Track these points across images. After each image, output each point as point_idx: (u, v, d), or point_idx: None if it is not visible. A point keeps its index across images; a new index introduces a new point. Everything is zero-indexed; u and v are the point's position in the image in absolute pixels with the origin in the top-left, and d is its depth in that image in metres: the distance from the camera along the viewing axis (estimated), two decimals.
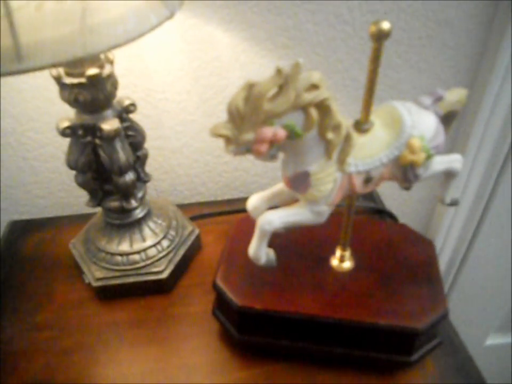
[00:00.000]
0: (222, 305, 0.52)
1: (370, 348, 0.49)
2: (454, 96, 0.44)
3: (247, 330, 0.51)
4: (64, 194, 0.77)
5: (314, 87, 0.35)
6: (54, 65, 0.36)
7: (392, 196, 0.87)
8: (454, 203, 0.51)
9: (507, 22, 0.66)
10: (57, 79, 0.47)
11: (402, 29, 0.68)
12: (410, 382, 0.50)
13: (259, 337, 0.51)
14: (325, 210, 0.42)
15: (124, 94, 0.53)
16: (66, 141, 0.52)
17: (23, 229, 0.71)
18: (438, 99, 0.43)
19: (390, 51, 0.70)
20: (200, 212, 0.71)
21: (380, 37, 0.35)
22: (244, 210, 0.66)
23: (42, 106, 0.67)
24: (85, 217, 0.67)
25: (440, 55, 0.72)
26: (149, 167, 0.60)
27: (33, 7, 0.35)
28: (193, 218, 0.68)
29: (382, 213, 0.72)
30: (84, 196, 0.58)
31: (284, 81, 0.33)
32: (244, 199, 0.74)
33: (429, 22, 0.68)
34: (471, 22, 0.69)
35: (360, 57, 0.70)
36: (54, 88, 0.65)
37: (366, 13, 0.65)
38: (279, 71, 0.33)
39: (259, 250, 0.43)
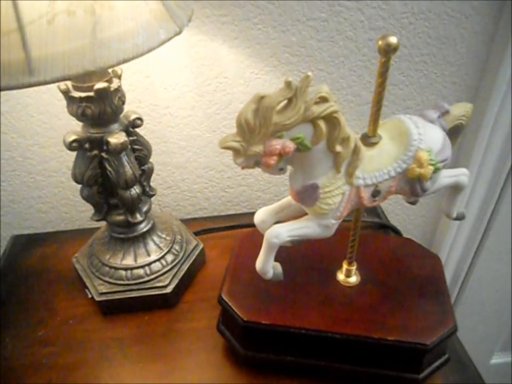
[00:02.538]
0: (227, 320, 0.52)
1: (378, 365, 0.48)
2: (460, 110, 0.45)
3: (253, 346, 0.50)
4: (67, 209, 0.77)
5: (323, 100, 0.35)
6: (64, 79, 0.37)
7: (395, 211, 0.87)
8: (460, 217, 0.51)
9: (508, 40, 0.67)
10: (65, 93, 0.47)
11: (404, 46, 0.69)
12: None
13: (264, 353, 0.50)
14: (332, 223, 0.42)
15: (129, 109, 0.54)
16: (71, 156, 0.52)
17: (26, 243, 0.70)
18: (444, 113, 0.43)
19: (393, 68, 0.71)
20: (203, 227, 0.71)
21: (388, 51, 0.36)
22: (248, 226, 0.67)
23: (47, 121, 0.68)
24: (87, 232, 0.67)
25: (442, 71, 0.73)
26: (153, 182, 0.60)
27: (44, 21, 0.35)
28: (197, 233, 0.67)
29: (386, 228, 0.72)
30: (87, 210, 0.58)
31: (293, 94, 0.34)
32: (247, 215, 0.74)
33: (430, 39, 0.69)
34: (473, 39, 0.70)
35: (363, 74, 0.71)
36: (59, 104, 0.66)
37: (369, 30, 0.66)
38: (288, 84, 0.33)
39: (266, 264, 0.43)
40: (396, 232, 0.71)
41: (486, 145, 0.78)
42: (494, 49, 0.70)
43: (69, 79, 0.41)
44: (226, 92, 0.69)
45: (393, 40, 0.35)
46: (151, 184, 0.59)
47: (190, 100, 0.69)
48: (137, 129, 0.54)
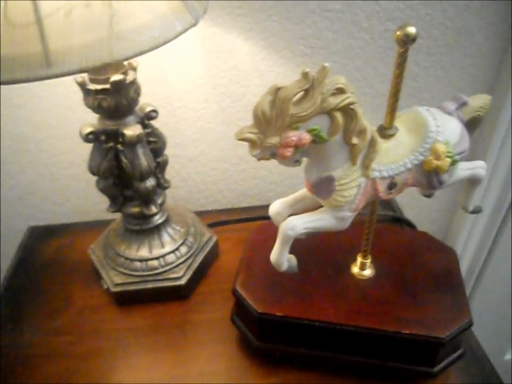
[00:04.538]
0: (241, 312, 0.52)
1: (392, 358, 0.48)
2: (478, 102, 0.44)
3: (267, 338, 0.50)
4: (83, 201, 0.78)
5: (340, 91, 0.35)
6: (82, 71, 0.37)
7: (410, 205, 0.86)
8: (476, 210, 0.50)
9: None
10: (82, 85, 0.47)
11: (421, 37, 0.68)
12: None
13: (278, 345, 0.50)
14: (348, 216, 0.42)
15: (144, 102, 0.54)
16: (86, 148, 0.53)
17: (42, 234, 0.71)
18: (462, 105, 0.43)
19: (409, 59, 0.69)
20: (217, 219, 0.71)
21: (406, 42, 0.35)
22: (262, 218, 0.67)
23: (62, 114, 0.68)
24: (102, 224, 0.68)
25: (459, 63, 0.72)
26: (167, 174, 0.60)
27: (62, 14, 0.35)
28: (210, 225, 0.68)
29: (401, 221, 0.71)
30: (101, 202, 0.58)
31: (310, 85, 0.34)
32: (261, 207, 0.74)
33: (447, 30, 0.68)
34: (490, 30, 0.69)
35: (378, 65, 0.70)
36: (74, 96, 0.66)
37: (385, 21, 0.66)
38: (305, 75, 0.33)
39: (281, 256, 0.43)
40: (410, 225, 0.71)
41: (503, 138, 0.76)
42: None
43: (86, 71, 0.41)
44: (240, 84, 0.69)
45: (411, 30, 0.35)
46: (166, 176, 0.59)
47: (204, 92, 0.69)
48: (151, 122, 0.54)
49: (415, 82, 0.72)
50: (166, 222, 0.60)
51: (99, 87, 0.47)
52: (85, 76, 0.48)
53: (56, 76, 0.36)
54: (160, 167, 0.57)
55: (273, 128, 0.35)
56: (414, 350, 0.47)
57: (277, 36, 0.65)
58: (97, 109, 0.48)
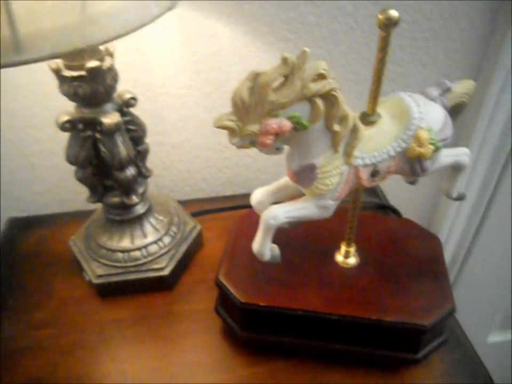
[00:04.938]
0: (224, 302, 0.51)
1: (376, 345, 0.48)
2: (462, 88, 0.44)
3: (251, 328, 0.50)
4: (64, 191, 0.76)
5: (320, 77, 0.34)
6: (54, 57, 0.35)
7: (394, 192, 0.86)
8: (460, 197, 0.50)
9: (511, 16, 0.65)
10: (57, 72, 0.46)
11: (406, 22, 0.67)
12: (416, 379, 0.50)
13: (262, 335, 0.50)
14: (331, 204, 0.41)
15: (123, 89, 0.52)
16: (66, 136, 0.51)
17: (22, 225, 0.70)
18: (446, 91, 0.42)
19: (393, 44, 0.68)
20: (201, 208, 0.70)
21: (388, 25, 0.34)
22: (246, 206, 0.66)
23: (41, 102, 0.66)
24: (84, 214, 0.66)
25: (444, 49, 0.71)
26: (150, 163, 0.59)
27: None
28: (194, 215, 0.67)
29: (385, 208, 0.71)
30: (83, 192, 0.57)
31: (289, 70, 0.33)
32: (246, 195, 0.73)
33: (433, 15, 0.67)
34: (476, 15, 0.68)
35: (363, 51, 0.69)
36: (54, 84, 0.64)
37: (369, 6, 0.65)
38: (285, 60, 0.32)
39: (263, 246, 0.42)
40: (395, 212, 0.71)
41: (487, 124, 0.76)
42: (497, 26, 0.69)
43: (58, 57, 0.40)
44: (222, 70, 0.67)
45: (393, 13, 0.34)
46: (147, 165, 0.58)
47: (186, 79, 0.67)
48: (132, 109, 0.53)
49: (399, 67, 0.72)
50: (148, 212, 0.58)
51: (74, 73, 0.45)
52: (59, 62, 0.46)
53: (27, 62, 0.35)
54: (140, 155, 0.56)
55: (252, 115, 0.34)
56: (397, 337, 0.47)
57: (259, 20, 0.63)
58: (73, 96, 0.47)
